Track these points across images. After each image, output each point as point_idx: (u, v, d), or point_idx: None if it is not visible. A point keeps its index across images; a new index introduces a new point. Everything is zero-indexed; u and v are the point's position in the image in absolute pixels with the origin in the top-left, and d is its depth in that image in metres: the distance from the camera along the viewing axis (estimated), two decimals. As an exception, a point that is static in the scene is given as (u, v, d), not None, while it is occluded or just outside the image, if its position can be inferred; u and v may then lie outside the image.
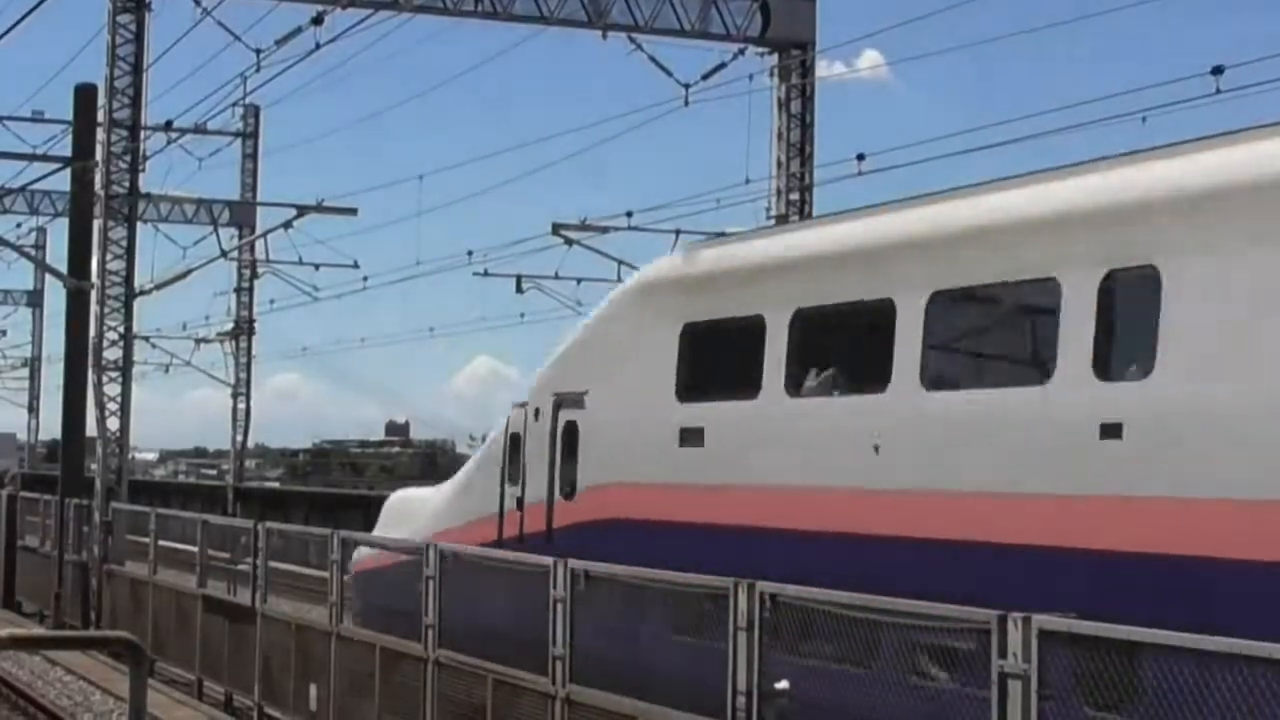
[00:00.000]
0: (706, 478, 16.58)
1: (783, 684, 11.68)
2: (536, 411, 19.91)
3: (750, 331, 16.20)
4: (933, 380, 14.24)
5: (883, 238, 15.20)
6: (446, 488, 23.01)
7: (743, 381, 16.28)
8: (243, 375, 58.77)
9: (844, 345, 15.70)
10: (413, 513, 23.28)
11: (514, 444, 20.29)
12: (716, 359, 17.24)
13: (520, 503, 19.89)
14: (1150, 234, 12.45)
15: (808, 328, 15.74)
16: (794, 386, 15.79)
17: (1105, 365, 12.64)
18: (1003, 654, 9.50)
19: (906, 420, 14.24)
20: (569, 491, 19.04)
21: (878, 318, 14.63)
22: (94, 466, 33.38)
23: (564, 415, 19.27)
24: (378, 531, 22.57)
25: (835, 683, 11.33)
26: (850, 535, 14.52)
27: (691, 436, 16.88)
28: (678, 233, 31.47)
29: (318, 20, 29.01)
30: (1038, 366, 13.38)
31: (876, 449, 14.47)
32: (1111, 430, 12.27)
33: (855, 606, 11.11)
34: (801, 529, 15.09)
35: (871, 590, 11.16)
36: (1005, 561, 12.92)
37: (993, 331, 14.69)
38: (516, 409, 20.55)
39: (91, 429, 33.39)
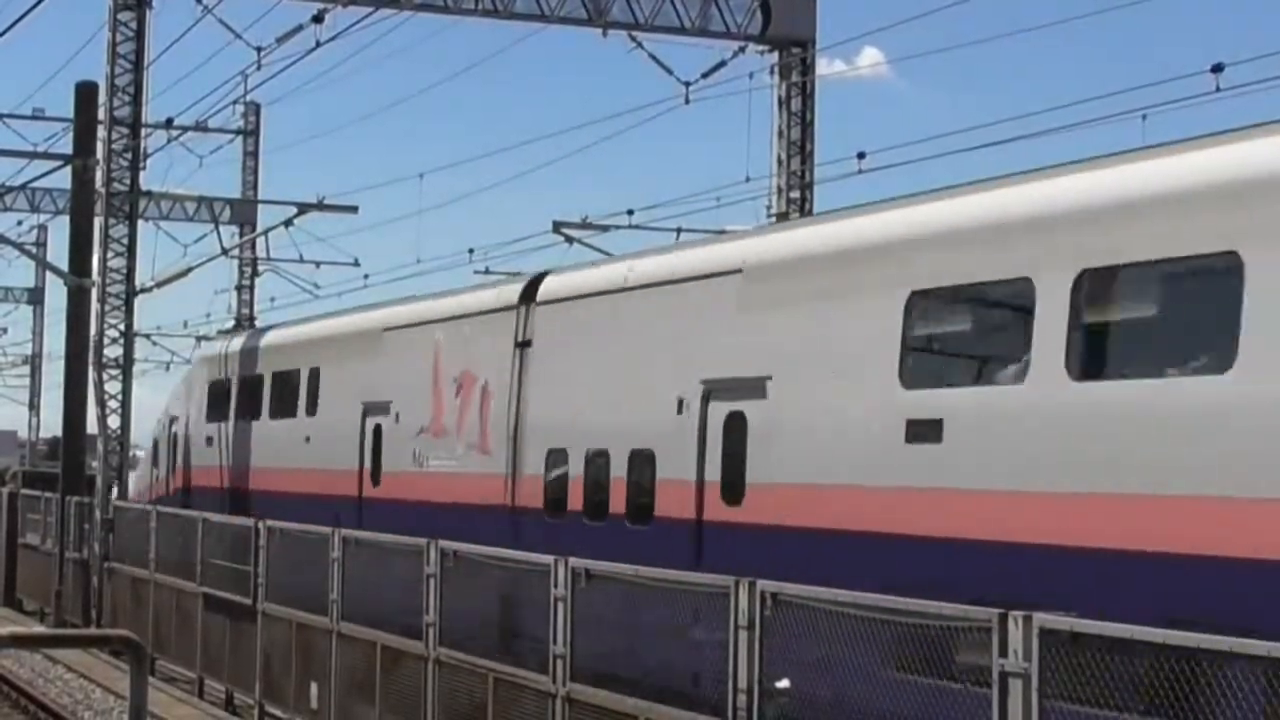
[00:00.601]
0: (220, 463, 31.59)
1: (783, 683, 11.67)
2: (162, 424, 36.69)
3: (255, 384, 30.71)
4: (307, 412, 27.87)
5: (307, 337, 29.29)
6: (139, 469, 39.01)
7: (248, 411, 30.89)
8: (244, 373, 58.68)
9: (286, 393, 29.08)
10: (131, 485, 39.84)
11: (157, 443, 36.82)
12: (231, 399, 31.79)
13: (160, 477, 35.92)
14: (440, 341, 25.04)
15: (277, 383, 29.77)
16: (271, 414, 29.88)
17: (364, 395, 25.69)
18: (1003, 653, 9.49)
19: (301, 432, 27.98)
20: (174, 471, 34.57)
21: (294, 381, 28.58)
22: (95, 464, 33.40)
23: (174, 426, 35.32)
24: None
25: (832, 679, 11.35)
26: (285, 494, 27.48)
27: (210, 441, 32.48)
28: (679, 230, 31.49)
29: (318, 18, 29.06)
30: (306, 408, 27.90)
31: (300, 446, 27.73)
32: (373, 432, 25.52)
33: (855, 605, 11.11)
34: (271, 490, 28.24)
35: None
36: (314, 503, 25.13)
37: (335, 390, 27.00)
38: (158, 420, 37.32)
39: (92, 426, 33.41)
